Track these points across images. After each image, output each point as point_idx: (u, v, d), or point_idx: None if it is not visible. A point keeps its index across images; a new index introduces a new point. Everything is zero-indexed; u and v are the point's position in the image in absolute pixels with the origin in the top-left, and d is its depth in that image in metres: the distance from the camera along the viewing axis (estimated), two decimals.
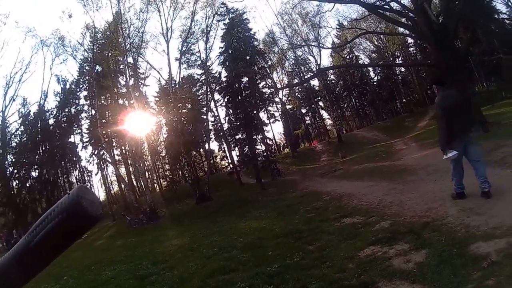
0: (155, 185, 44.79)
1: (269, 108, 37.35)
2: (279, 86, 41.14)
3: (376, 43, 44.39)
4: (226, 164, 40.28)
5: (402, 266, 3.64)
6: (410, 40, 40.06)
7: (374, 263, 3.93)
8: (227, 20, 30.24)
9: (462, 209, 4.73)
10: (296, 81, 41.68)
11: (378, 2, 16.90)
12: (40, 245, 0.61)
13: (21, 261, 0.62)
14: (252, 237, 7.05)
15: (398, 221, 5.33)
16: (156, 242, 10.37)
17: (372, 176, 11.90)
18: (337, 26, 40.51)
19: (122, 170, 32.91)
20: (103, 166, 34.60)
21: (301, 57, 42.31)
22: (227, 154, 34.34)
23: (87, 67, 29.34)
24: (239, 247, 6.38)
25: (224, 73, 30.87)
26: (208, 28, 27.46)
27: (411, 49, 44.27)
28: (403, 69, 47.21)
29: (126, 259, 8.34)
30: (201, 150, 35.20)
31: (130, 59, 24.79)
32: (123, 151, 32.83)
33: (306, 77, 39.02)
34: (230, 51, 29.73)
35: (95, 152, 33.81)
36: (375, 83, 50.58)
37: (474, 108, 11.99)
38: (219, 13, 29.34)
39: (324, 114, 50.94)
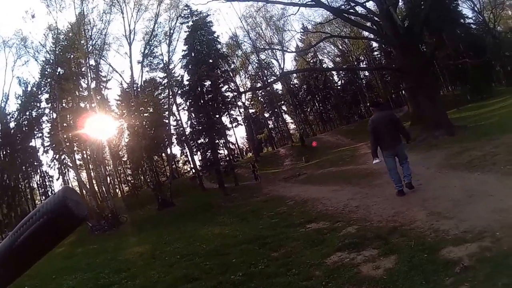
0: (117, 190, 44.60)
1: (232, 112, 38.23)
2: (242, 90, 41.72)
3: (340, 47, 46.13)
4: (189, 169, 41.19)
5: (371, 273, 3.60)
6: (374, 44, 41.95)
7: (341, 270, 3.88)
8: (190, 23, 30.99)
9: (430, 213, 4.83)
10: (259, 84, 42.38)
11: (343, 6, 17.43)
12: (24, 246, 0.61)
13: (4, 262, 0.62)
14: (216, 243, 7.03)
15: (365, 226, 5.36)
16: (118, 249, 10.24)
17: (337, 181, 12.16)
18: (301, 30, 41.67)
19: (84, 175, 32.86)
20: (64, 171, 35.11)
21: (265, 60, 43.52)
22: (189, 159, 35.20)
23: (49, 69, 29.39)
24: (202, 254, 6.38)
25: (186, 77, 31.76)
26: (171, 31, 28.39)
27: (376, 53, 46.40)
28: (367, 73, 49.35)
29: (88, 267, 8.22)
30: (163, 154, 35.70)
31: (92, 62, 25.30)
32: (85, 155, 32.90)
33: (269, 80, 39.56)
34: (193, 54, 30.43)
35: (56, 157, 34.27)
36: (339, 87, 52.59)
37: (438, 114, 12.81)
38: (182, 15, 30.20)
39: (287, 118, 52.50)
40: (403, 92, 36.62)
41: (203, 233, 9.02)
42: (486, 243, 3.33)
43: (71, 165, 29.64)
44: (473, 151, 7.62)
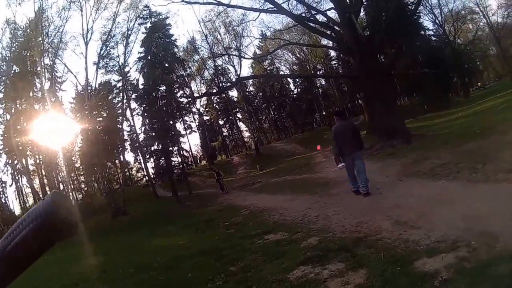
0: (71, 198, 41.29)
1: (186, 118, 38.65)
2: (197, 95, 41.88)
3: (298, 55, 47.41)
4: (142, 177, 41.18)
5: None
6: (332, 53, 43.41)
7: (307, 287, 3.59)
8: (149, 24, 31.15)
9: (396, 223, 4.72)
10: (214, 90, 42.35)
11: (304, 14, 17.71)
12: (13, 253, 0.61)
13: None
14: (170, 255, 6.81)
15: (327, 237, 5.17)
16: (70, 261, 9.49)
17: (293, 189, 12.09)
18: (260, 36, 42.12)
19: (37, 181, 32.28)
20: (17, 177, 34.20)
21: (221, 66, 43.72)
22: (143, 166, 35.31)
23: (4, 67, 27.99)
24: (156, 267, 6.15)
25: (142, 80, 31.74)
26: (129, 32, 28.93)
27: (333, 62, 48.30)
28: (323, 82, 51.08)
29: (37, 282, 7.38)
30: (117, 161, 35.23)
31: (47, 61, 25.28)
32: (38, 160, 31.73)
33: (225, 86, 39.72)
34: (149, 57, 30.52)
35: (9, 162, 32.75)
36: (294, 95, 53.84)
37: (395, 122, 13.22)
38: (141, 16, 30.40)
39: (242, 126, 52.69)
40: (360, 101, 38.06)
41: (157, 243, 8.88)
42: (462, 253, 3.22)
43: (23, 170, 29.05)
44: (434, 160, 7.79)
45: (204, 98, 46.07)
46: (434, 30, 41.99)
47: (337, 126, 7.55)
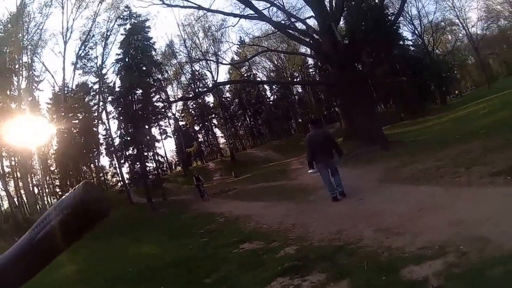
0: (46, 202, 40.54)
1: (162, 123, 38.90)
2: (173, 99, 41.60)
3: (276, 62, 47.82)
4: (116, 182, 40.83)
5: None
6: (310, 61, 43.90)
7: None
8: (128, 26, 31.15)
9: (377, 230, 4.56)
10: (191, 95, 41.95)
11: (284, 21, 17.87)
12: (43, 241, 0.63)
13: (23, 257, 0.65)
14: (144, 265, 6.67)
15: (306, 246, 4.98)
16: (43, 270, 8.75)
17: (269, 196, 12.04)
18: (239, 42, 42.31)
19: (12, 184, 31.50)
20: None
21: (198, 72, 43.98)
22: (118, 171, 34.69)
23: None
24: (129, 278, 6.06)
25: (118, 83, 31.44)
26: (109, 33, 29.45)
27: (310, 70, 48.88)
28: (300, 89, 51.55)
29: None
30: (92, 165, 35.71)
31: (25, 58, 25.12)
32: (13, 163, 31.12)
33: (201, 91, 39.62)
34: (127, 60, 30.25)
35: None
36: (271, 102, 54.16)
37: (372, 129, 13.30)
38: (122, 16, 30.45)
39: (218, 132, 52.68)
40: (337, 108, 38.59)
41: (131, 252, 8.77)
42: (451, 258, 3.05)
43: None
44: (415, 165, 7.77)
45: (180, 103, 46.09)
46: (413, 40, 43.34)
47: (311, 134, 7.97)
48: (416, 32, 42.08)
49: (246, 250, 5.69)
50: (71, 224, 0.61)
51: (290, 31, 18.03)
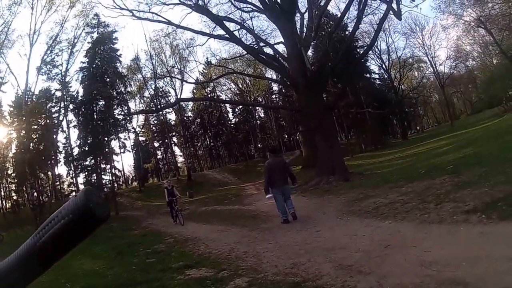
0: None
1: (121, 136, 39.07)
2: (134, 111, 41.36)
3: (240, 85, 48.00)
4: (70, 191, 39.81)
5: None
6: (275, 87, 44.35)
7: None
8: (96, 34, 31.57)
9: (339, 267, 4.14)
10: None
11: (252, 45, 17.96)
12: (46, 246, 0.65)
13: (27, 260, 0.66)
14: (84, 283, 6.36)
15: (258, 279, 4.48)
16: None
17: (222, 220, 11.69)
18: (205, 62, 42.39)
19: None
20: None
21: (162, 88, 44.00)
22: (74, 181, 34.74)
23: None
24: None
25: (81, 92, 31.73)
26: (76, 40, 29.23)
27: (274, 96, 49.57)
28: (262, 114, 51.90)
29: None
30: (50, 173, 34.00)
31: None
32: None
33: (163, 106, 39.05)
34: (91, 69, 30.54)
35: None
36: (232, 124, 54.43)
37: (334, 158, 13.19)
38: (90, 24, 30.61)
39: (177, 151, 52.39)
40: (298, 135, 39.01)
41: (74, 266, 8.20)
42: None
43: None
44: (378, 198, 7.50)
45: (141, 118, 45.64)
46: (379, 74, 45.18)
47: (270, 162, 8.85)
48: (384, 66, 43.88)
49: (193, 278, 5.14)
50: (73, 230, 0.62)
51: (260, 55, 18.05)
